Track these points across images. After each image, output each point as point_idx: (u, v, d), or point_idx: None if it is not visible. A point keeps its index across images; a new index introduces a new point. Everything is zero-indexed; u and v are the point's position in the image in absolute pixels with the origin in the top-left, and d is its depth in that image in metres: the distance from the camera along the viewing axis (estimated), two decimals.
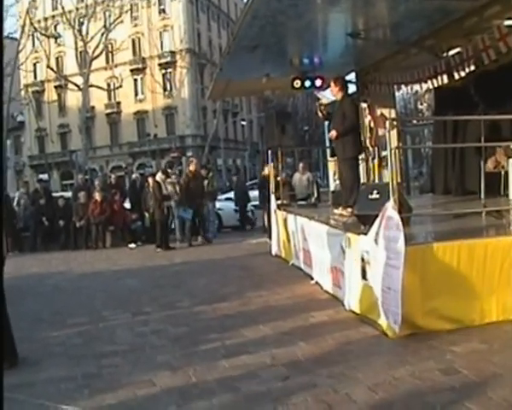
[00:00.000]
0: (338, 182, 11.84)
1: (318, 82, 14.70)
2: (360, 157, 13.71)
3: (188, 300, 9.23)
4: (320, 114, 10.60)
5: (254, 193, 34.55)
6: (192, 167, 18.04)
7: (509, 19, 9.27)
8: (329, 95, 11.00)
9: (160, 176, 18.29)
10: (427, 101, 49.77)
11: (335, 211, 10.58)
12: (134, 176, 24.35)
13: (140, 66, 71.43)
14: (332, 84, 10.28)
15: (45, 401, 5.07)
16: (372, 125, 15.19)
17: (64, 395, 5.23)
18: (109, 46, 61.11)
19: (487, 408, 4.28)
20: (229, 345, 6.45)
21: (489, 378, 4.81)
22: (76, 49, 48.10)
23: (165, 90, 70.89)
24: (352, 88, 15.67)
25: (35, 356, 6.53)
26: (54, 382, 5.62)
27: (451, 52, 11.25)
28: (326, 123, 13.52)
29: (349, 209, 9.74)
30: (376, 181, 13.69)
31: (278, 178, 14.30)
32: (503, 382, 4.71)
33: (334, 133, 9.94)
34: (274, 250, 13.55)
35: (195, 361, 5.92)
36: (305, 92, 24.60)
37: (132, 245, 18.17)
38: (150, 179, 18.93)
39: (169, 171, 20.55)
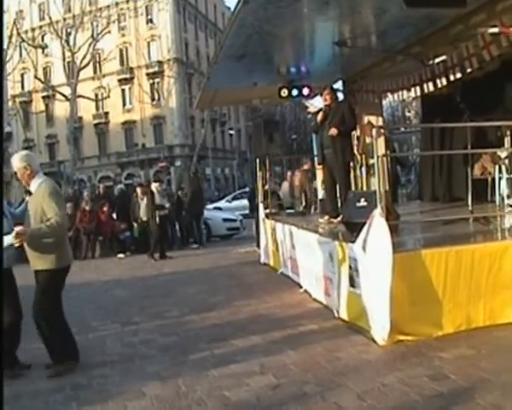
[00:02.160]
0: (324, 191, 11.80)
1: (305, 91, 14.73)
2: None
3: (177, 309, 9.22)
4: (321, 118, 10.42)
5: (243, 202, 34.75)
6: None
7: (494, 27, 9.32)
8: (318, 103, 11.00)
9: (155, 185, 18.32)
10: (414, 108, 50.05)
11: (321, 220, 10.58)
12: (118, 187, 24.40)
13: (128, 76, 71.36)
14: (326, 91, 10.28)
15: None
16: (359, 132, 15.24)
17: (52, 407, 5.22)
18: (97, 56, 60.91)
19: None
20: (218, 354, 6.45)
21: (477, 384, 4.83)
22: (63, 59, 47.86)
23: (153, 99, 70.86)
24: (339, 96, 15.75)
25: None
26: (42, 394, 5.60)
27: (437, 60, 11.30)
28: (313, 136, 13.58)
29: (339, 218, 9.77)
30: (364, 189, 13.71)
31: (266, 187, 14.32)
32: (491, 387, 4.74)
33: (335, 130, 9.85)
34: (262, 259, 13.56)
35: (185, 371, 5.92)
36: (293, 101, 24.69)
37: (121, 255, 18.12)
38: (138, 189, 18.94)
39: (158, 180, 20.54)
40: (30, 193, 6.22)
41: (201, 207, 20.17)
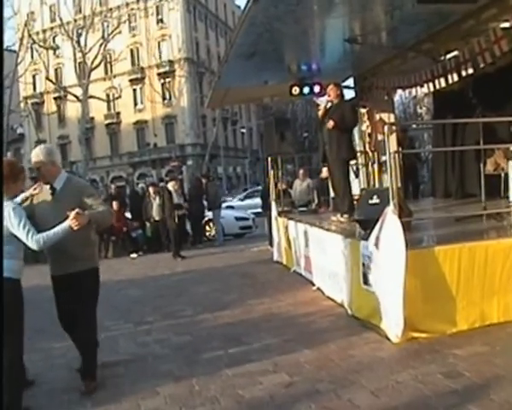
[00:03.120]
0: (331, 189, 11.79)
1: (317, 88, 14.68)
2: (360, 162, 13.75)
3: (190, 309, 9.23)
4: (322, 113, 10.41)
5: (256, 200, 34.73)
6: None
7: (505, 21, 9.27)
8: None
9: (171, 184, 18.25)
10: (426, 105, 49.85)
11: (333, 218, 10.57)
12: (140, 185, 24.50)
13: (139, 76, 71.59)
14: (331, 86, 10.26)
15: None
16: (371, 130, 15.20)
17: (67, 406, 5.24)
18: (108, 57, 61.22)
19: None
20: (231, 353, 6.46)
21: (491, 380, 4.81)
22: (75, 60, 48.03)
23: (164, 99, 71.02)
24: (350, 93, 15.72)
25: (36, 368, 6.52)
26: (56, 393, 5.62)
27: (448, 55, 11.24)
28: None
29: (345, 215, 9.76)
30: (376, 186, 13.68)
31: (278, 186, 14.31)
32: (506, 383, 4.72)
33: (331, 123, 9.83)
34: (275, 257, 13.56)
35: (198, 370, 5.93)
36: (305, 98, 24.61)
37: (134, 255, 18.15)
38: (150, 189, 18.98)
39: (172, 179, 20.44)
40: (53, 190, 5.80)
41: (200, 209, 20.09)
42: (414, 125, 27.60)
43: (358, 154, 13.35)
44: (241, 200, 38.13)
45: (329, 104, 10.21)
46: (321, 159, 11.25)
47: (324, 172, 16.41)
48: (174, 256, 16.56)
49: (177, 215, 17.35)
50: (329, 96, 10.28)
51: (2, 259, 5.00)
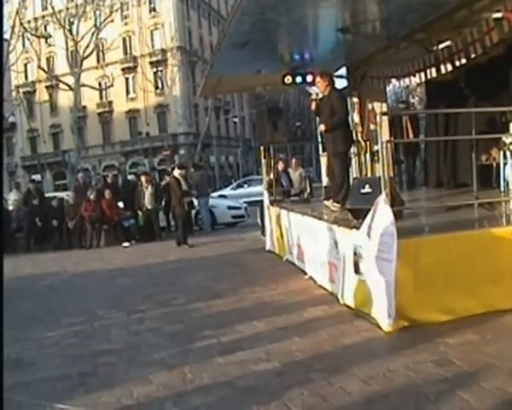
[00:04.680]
0: (327, 176, 11.81)
1: (309, 77, 14.69)
2: (352, 151, 13.77)
3: (182, 297, 9.24)
4: (314, 107, 10.47)
5: (248, 190, 34.68)
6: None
7: (497, 12, 9.29)
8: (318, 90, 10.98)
9: (178, 172, 17.75)
10: (418, 94, 49.82)
11: (325, 203, 10.60)
12: (130, 177, 24.47)
13: (131, 64, 71.33)
14: (318, 79, 10.24)
15: (41, 401, 5.09)
16: (363, 119, 15.23)
17: (60, 394, 5.24)
18: (100, 45, 60.90)
19: (480, 397, 4.32)
20: (224, 341, 6.47)
21: (482, 368, 4.85)
22: (67, 48, 47.92)
23: (156, 88, 70.81)
24: (343, 83, 15.72)
25: (30, 356, 6.54)
26: (49, 381, 5.63)
27: (441, 46, 11.26)
28: (317, 119, 13.59)
29: (337, 204, 9.79)
30: (368, 175, 13.71)
31: (271, 175, 14.32)
32: (496, 371, 4.75)
33: (323, 127, 9.99)
34: (267, 246, 13.57)
35: (191, 358, 5.95)
36: (297, 88, 24.64)
37: (126, 244, 18.13)
38: (142, 178, 19.00)
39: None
40: None
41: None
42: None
43: None
44: (234, 189, 38.08)
45: (320, 95, 10.24)
46: (322, 149, 11.33)
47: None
48: (180, 244, 16.37)
49: (186, 203, 17.21)
50: (318, 88, 10.31)
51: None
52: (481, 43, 9.89)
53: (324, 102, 10.05)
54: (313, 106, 10.34)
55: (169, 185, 17.90)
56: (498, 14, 9.33)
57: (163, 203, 19.42)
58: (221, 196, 32.01)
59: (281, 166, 17.17)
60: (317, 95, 10.36)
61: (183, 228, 16.75)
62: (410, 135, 13.49)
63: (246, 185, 37.67)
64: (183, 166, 19.35)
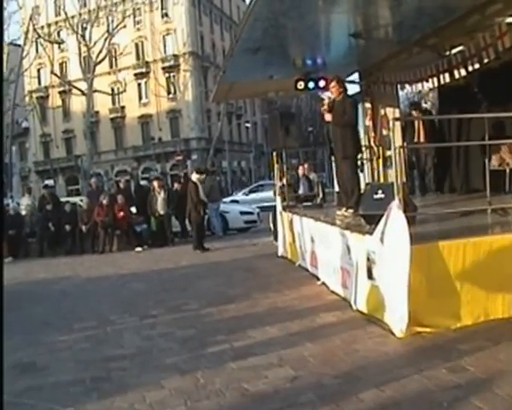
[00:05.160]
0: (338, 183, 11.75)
1: (322, 83, 14.70)
2: (365, 157, 13.75)
3: (194, 302, 9.25)
4: (327, 107, 10.39)
5: (260, 195, 34.66)
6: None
7: (511, 16, 9.26)
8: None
9: (196, 177, 17.39)
10: (431, 99, 49.70)
11: (338, 213, 10.59)
12: (142, 183, 24.48)
13: (143, 70, 71.51)
14: (334, 83, 10.24)
15: (54, 406, 5.10)
16: (375, 124, 15.21)
17: (73, 398, 5.26)
18: (113, 51, 61.26)
19: (493, 404, 4.29)
20: (236, 347, 6.47)
21: (495, 375, 4.82)
22: (79, 54, 48.18)
23: (169, 93, 70.95)
24: (355, 88, 15.71)
25: (43, 360, 6.57)
26: (62, 386, 5.65)
27: (454, 50, 11.23)
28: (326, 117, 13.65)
29: (350, 210, 9.75)
30: (381, 181, 13.69)
31: (284, 180, 14.32)
32: (509, 378, 4.72)
33: (329, 116, 9.98)
34: (280, 252, 13.57)
35: (203, 363, 5.94)
36: (309, 93, 24.64)
37: (139, 249, 18.16)
38: (155, 183, 19.04)
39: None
40: None
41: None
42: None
43: (363, 149, 13.36)
44: (246, 194, 38.01)
45: (333, 100, 10.23)
46: (329, 154, 11.30)
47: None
48: (196, 248, 16.33)
49: (202, 209, 16.97)
50: (332, 93, 10.31)
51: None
52: (494, 48, 9.86)
53: (337, 105, 10.03)
54: (325, 107, 10.27)
55: (182, 189, 17.84)
56: (511, 19, 9.30)
57: (172, 208, 19.35)
58: (233, 202, 32.04)
59: (301, 170, 17.16)
60: (330, 98, 10.34)
61: (199, 233, 16.72)
62: (422, 138, 13.40)
63: (258, 191, 37.64)
64: (202, 170, 19.16)
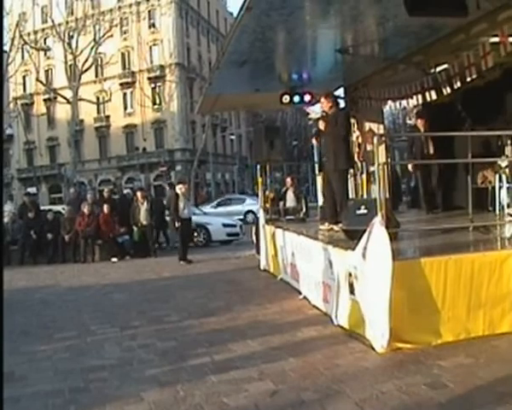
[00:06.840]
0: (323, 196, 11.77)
1: (307, 97, 14.78)
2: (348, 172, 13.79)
3: (176, 314, 9.21)
4: (323, 126, 10.39)
5: (228, 208, 34.65)
6: None
7: (495, 36, 9.35)
8: (319, 109, 11.04)
9: (179, 187, 17.10)
10: (415, 116, 50.04)
11: (321, 227, 10.61)
12: (125, 192, 24.41)
13: (129, 79, 71.52)
14: (323, 99, 10.31)
15: None
16: (360, 140, 15.27)
17: None
18: (99, 60, 61.05)
19: None
20: (217, 360, 6.44)
21: (474, 392, 4.83)
22: (65, 62, 47.97)
23: (154, 104, 70.90)
24: (340, 104, 15.77)
25: (21, 370, 6.49)
26: (40, 397, 5.59)
27: (439, 68, 11.31)
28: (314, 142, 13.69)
29: (340, 224, 9.76)
30: (364, 196, 13.72)
31: (266, 193, 14.33)
32: (489, 395, 4.73)
33: (322, 123, 10.09)
34: (262, 265, 13.55)
35: (183, 376, 5.91)
36: (294, 107, 24.75)
37: (114, 259, 18.09)
38: (138, 193, 19.01)
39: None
40: None
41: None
42: (404, 137, 27.74)
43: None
44: (214, 207, 37.52)
45: (325, 115, 10.30)
46: (319, 169, 11.35)
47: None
48: (181, 260, 16.25)
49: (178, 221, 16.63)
50: (322, 107, 10.40)
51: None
52: (476, 68, 9.94)
53: (330, 118, 10.09)
54: (321, 125, 10.31)
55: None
56: (495, 39, 9.38)
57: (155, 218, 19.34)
58: (216, 214, 31.95)
59: (289, 182, 17.21)
60: (323, 112, 10.40)
61: (182, 245, 16.64)
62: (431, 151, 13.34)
63: (226, 204, 37.37)
64: (185, 181, 19.12)
